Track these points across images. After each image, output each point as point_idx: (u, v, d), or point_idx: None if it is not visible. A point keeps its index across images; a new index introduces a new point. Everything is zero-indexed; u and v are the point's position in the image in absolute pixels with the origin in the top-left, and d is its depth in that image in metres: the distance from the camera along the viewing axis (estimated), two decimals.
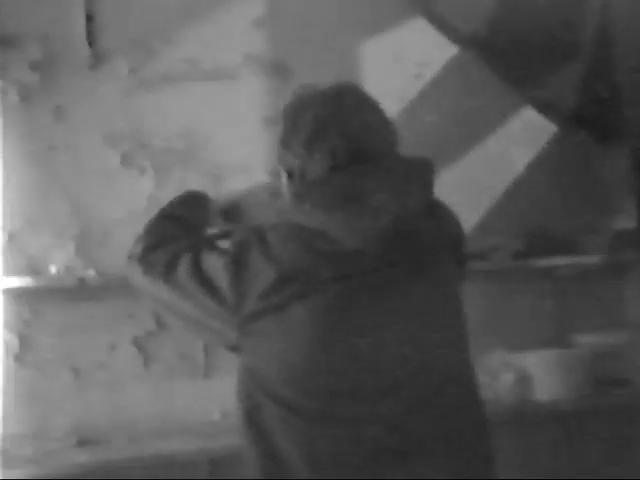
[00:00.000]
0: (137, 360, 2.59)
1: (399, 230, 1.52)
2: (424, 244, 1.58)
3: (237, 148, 2.74)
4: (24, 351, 2.49)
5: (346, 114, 1.59)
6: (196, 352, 2.62)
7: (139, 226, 2.60)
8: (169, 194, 2.64)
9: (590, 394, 2.70)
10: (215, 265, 1.55)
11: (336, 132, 1.56)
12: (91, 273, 2.48)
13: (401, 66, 2.95)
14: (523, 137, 3.11)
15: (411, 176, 1.58)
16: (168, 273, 1.60)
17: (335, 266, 1.49)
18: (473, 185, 2.93)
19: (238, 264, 1.51)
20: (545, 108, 3.14)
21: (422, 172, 1.61)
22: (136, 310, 2.58)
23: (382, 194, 1.52)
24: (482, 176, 3.01)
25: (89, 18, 2.60)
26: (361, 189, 1.52)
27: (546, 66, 3.06)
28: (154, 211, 2.61)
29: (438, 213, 1.65)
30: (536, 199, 3.08)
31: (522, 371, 2.67)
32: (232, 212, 1.96)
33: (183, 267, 1.58)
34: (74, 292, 2.50)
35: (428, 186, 1.61)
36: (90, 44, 2.60)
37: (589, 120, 3.14)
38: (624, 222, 3.07)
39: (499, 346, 2.73)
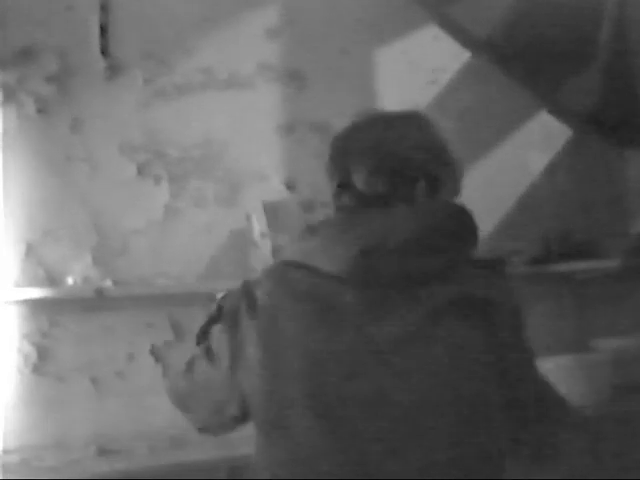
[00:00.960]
0: (156, 370, 2.58)
1: (385, 260, 1.37)
2: (424, 294, 1.39)
3: (253, 157, 2.75)
4: (42, 362, 2.49)
5: (390, 142, 1.49)
6: None
7: (156, 236, 2.64)
8: (186, 203, 2.68)
9: (611, 399, 2.68)
10: (217, 336, 1.50)
11: (375, 159, 1.48)
12: (109, 283, 2.49)
13: (416, 72, 2.95)
14: (540, 141, 3.10)
15: (434, 219, 1.43)
16: (188, 369, 1.57)
17: (312, 297, 1.39)
18: (490, 190, 2.92)
19: (231, 329, 1.45)
20: (561, 112, 3.13)
21: (451, 220, 1.44)
22: (154, 320, 2.59)
23: (380, 225, 1.40)
24: (499, 181, 3.00)
25: (104, 30, 2.61)
26: (363, 224, 1.41)
27: (562, 70, 3.05)
28: (171, 221, 2.65)
29: (467, 273, 1.44)
30: (554, 203, 3.07)
31: None
32: None
33: (197, 354, 1.54)
34: (92, 303, 2.50)
35: (457, 237, 1.44)
36: (105, 56, 2.61)
37: (606, 123, 3.13)
38: None
39: None
